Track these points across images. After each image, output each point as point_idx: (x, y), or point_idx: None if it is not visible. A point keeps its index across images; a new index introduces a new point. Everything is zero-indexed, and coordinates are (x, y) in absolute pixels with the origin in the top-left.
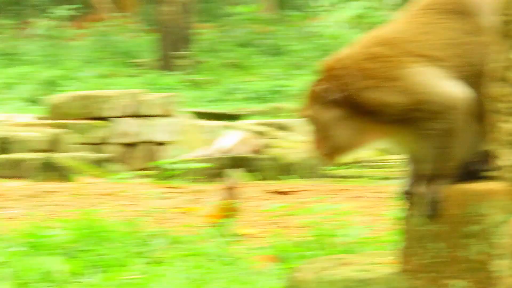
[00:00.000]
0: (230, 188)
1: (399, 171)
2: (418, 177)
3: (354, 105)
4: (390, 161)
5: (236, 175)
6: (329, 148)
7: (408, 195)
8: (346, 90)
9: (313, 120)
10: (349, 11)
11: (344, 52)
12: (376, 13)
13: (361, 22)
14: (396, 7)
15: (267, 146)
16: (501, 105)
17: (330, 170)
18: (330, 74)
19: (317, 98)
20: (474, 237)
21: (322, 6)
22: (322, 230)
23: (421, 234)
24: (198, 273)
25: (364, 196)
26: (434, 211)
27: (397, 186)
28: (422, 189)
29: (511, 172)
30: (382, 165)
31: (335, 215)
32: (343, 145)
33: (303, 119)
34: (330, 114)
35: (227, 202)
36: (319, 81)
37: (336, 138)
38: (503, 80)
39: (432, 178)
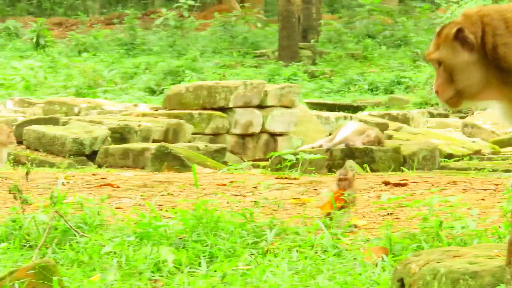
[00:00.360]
0: (345, 180)
1: None
2: None
3: (486, 55)
4: (508, 153)
5: (352, 167)
6: (453, 92)
7: None
8: (482, 37)
9: (442, 61)
10: (475, 3)
11: (490, 5)
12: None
13: None
14: None
15: (385, 137)
16: None
17: (448, 162)
18: (469, 19)
19: (449, 39)
20: None
21: None
22: (434, 222)
23: None
24: (308, 264)
25: (478, 188)
26: None
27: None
28: None
29: None
30: (502, 157)
31: (447, 207)
32: (467, 92)
33: (430, 60)
34: (459, 57)
35: (342, 193)
36: (455, 23)
37: (461, 83)
38: None
39: None
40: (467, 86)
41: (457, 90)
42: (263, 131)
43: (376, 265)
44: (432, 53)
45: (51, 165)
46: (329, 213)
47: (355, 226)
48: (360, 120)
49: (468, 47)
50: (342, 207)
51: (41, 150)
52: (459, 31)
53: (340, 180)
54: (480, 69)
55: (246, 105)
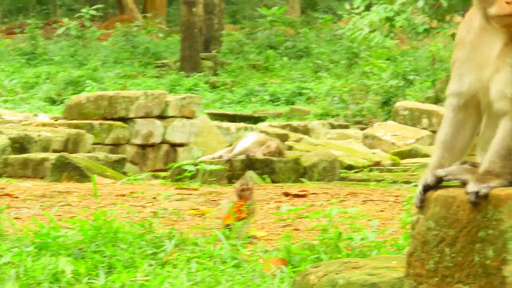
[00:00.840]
0: (244, 190)
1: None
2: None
3: None
4: (409, 165)
5: (252, 177)
6: None
7: (425, 193)
8: None
9: None
10: (377, 15)
11: None
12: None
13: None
14: (424, 10)
15: (286, 148)
16: None
17: (348, 173)
18: None
19: None
20: (488, 242)
21: (350, 9)
22: (333, 234)
23: (427, 238)
24: (206, 275)
25: (378, 199)
26: (475, 199)
27: (412, 187)
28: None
29: None
30: (402, 168)
31: (347, 218)
32: None
33: None
34: None
35: (241, 204)
36: None
37: None
38: None
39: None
40: None
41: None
42: (163, 141)
43: (275, 276)
44: None
45: None
46: (228, 224)
47: (255, 237)
48: (261, 131)
49: None
50: (241, 218)
51: None
52: None
53: (241, 191)
54: None
55: (147, 116)
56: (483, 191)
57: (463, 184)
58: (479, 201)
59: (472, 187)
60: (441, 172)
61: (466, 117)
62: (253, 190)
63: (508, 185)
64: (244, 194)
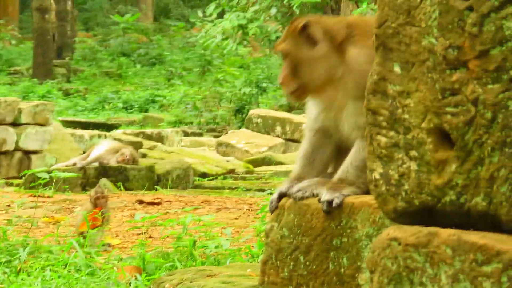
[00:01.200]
0: (99, 199)
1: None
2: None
3: (331, 52)
4: (262, 173)
5: (106, 185)
6: (297, 85)
7: (279, 201)
8: (329, 35)
9: (287, 54)
10: (230, 22)
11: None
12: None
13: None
14: (277, 18)
15: (140, 156)
16: (380, 118)
17: (202, 181)
18: (314, 19)
19: (296, 32)
20: (343, 250)
21: (203, 17)
22: (188, 241)
23: (281, 246)
24: (61, 283)
25: (232, 207)
26: (329, 208)
27: (267, 195)
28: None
29: (381, 186)
30: (256, 176)
31: (201, 226)
32: (310, 86)
33: (277, 51)
34: (303, 51)
35: (95, 212)
36: (302, 19)
37: (305, 77)
38: (383, 92)
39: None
40: (310, 80)
41: (300, 83)
42: (17, 148)
43: (130, 284)
44: (279, 44)
45: None
46: (83, 232)
47: (109, 245)
48: (115, 139)
49: (313, 42)
50: (96, 226)
51: None
52: (305, 25)
53: (95, 199)
54: (324, 65)
55: (0, 123)
56: (336, 200)
57: (316, 196)
58: (332, 209)
59: (325, 196)
60: (297, 193)
61: (323, 139)
62: (107, 198)
63: (362, 194)
64: (99, 203)
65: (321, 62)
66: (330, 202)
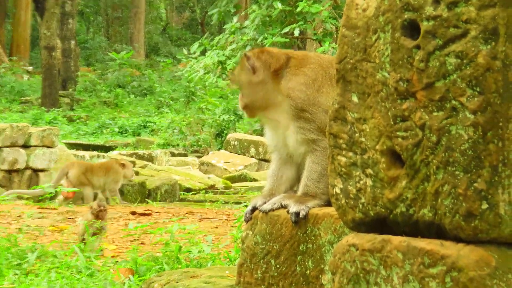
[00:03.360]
0: (102, 211)
1: (244, 196)
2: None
3: (266, 79)
4: (238, 188)
5: (103, 198)
6: (244, 104)
7: (252, 212)
8: (264, 63)
9: (236, 80)
10: (211, 59)
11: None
12: (233, 60)
13: (221, 67)
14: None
15: (134, 173)
16: (340, 141)
17: (187, 195)
18: (257, 50)
19: (242, 63)
20: (308, 255)
21: (188, 54)
22: (174, 247)
23: (255, 251)
24: (64, 283)
25: (212, 218)
26: (297, 218)
27: (242, 207)
28: (292, 205)
29: (341, 199)
30: (233, 191)
31: (186, 234)
32: (251, 106)
33: (231, 80)
34: (244, 77)
35: (95, 222)
36: (249, 51)
37: (246, 98)
38: (342, 119)
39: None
40: (252, 101)
41: (247, 103)
42: (27, 167)
43: (124, 284)
44: (234, 73)
45: None
46: (83, 239)
47: (106, 250)
48: (112, 158)
49: (253, 71)
50: (95, 234)
51: None
52: (247, 57)
53: (98, 211)
54: (261, 89)
55: (13, 145)
56: (303, 212)
57: (285, 208)
58: (299, 220)
59: (293, 208)
60: (266, 206)
61: (286, 159)
62: (104, 210)
63: (324, 204)
64: (101, 215)
65: (258, 87)
66: (297, 214)
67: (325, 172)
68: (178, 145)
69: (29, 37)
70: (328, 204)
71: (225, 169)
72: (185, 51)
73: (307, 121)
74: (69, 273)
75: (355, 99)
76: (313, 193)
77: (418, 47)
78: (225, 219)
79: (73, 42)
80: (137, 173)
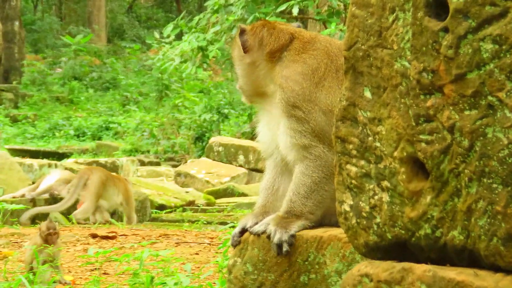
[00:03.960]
0: (51, 235)
1: (231, 215)
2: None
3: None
4: (224, 204)
5: (57, 218)
6: (239, 87)
7: (241, 235)
8: (259, 42)
9: (232, 56)
10: (189, 44)
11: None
12: (217, 46)
13: (202, 55)
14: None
15: None
16: (349, 146)
17: (160, 214)
18: (258, 24)
19: (237, 37)
20: (311, 287)
21: (160, 38)
22: (145, 278)
23: (244, 283)
24: None
25: (192, 241)
26: (280, 252)
27: (229, 228)
28: (274, 229)
29: (351, 218)
30: (217, 208)
31: (159, 262)
32: (244, 90)
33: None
34: (237, 56)
35: (45, 246)
36: (243, 27)
37: (239, 80)
38: (352, 119)
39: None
40: (243, 84)
41: (239, 85)
42: None
43: None
44: (232, 53)
45: None
46: (32, 268)
47: (61, 282)
48: (66, 168)
49: (245, 49)
50: (45, 261)
51: None
52: (242, 31)
53: (47, 235)
54: (252, 73)
55: None
56: (285, 248)
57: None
58: (284, 254)
59: (274, 236)
60: (258, 228)
61: (283, 166)
62: (59, 234)
63: (312, 226)
64: (50, 239)
65: (249, 69)
66: (279, 246)
67: (315, 187)
68: (148, 151)
69: None
70: (317, 223)
71: (207, 182)
72: (156, 35)
73: (299, 121)
74: None
75: (367, 94)
76: (298, 211)
77: (446, 29)
78: (208, 244)
79: (17, 23)
80: None
